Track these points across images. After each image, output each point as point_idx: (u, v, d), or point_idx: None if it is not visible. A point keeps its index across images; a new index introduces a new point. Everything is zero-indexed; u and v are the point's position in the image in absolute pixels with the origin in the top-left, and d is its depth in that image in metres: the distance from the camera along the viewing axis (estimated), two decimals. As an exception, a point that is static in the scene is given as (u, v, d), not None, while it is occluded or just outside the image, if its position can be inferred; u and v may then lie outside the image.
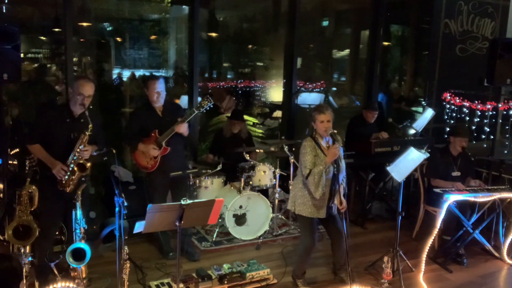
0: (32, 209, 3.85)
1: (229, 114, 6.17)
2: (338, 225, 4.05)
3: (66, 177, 3.69)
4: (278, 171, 5.41)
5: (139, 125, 4.47)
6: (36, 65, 6.79)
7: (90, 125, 3.65)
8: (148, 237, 4.87)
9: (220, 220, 5.11)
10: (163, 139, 4.39)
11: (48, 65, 6.93)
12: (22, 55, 4.31)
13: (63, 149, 3.72)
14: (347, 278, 4.20)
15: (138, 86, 7.60)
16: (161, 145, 4.39)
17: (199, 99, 6.48)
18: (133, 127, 4.53)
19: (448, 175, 5.04)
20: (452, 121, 7.05)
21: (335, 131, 3.95)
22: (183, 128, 4.36)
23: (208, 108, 4.46)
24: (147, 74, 7.82)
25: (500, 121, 6.80)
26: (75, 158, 3.68)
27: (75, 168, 3.67)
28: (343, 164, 4.01)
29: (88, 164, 3.72)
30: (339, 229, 4.05)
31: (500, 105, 6.49)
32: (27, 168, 4.23)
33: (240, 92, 8.80)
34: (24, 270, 3.47)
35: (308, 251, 4.10)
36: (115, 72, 7.56)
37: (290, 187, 4.21)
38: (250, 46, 9.21)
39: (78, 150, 3.67)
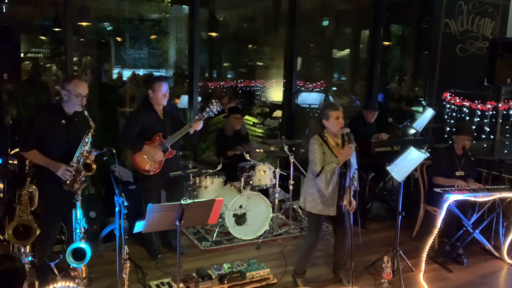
0: (32, 208, 3.85)
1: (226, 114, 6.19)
2: (346, 224, 4.03)
3: (72, 178, 3.65)
4: (278, 170, 5.41)
5: (140, 126, 4.38)
6: (36, 64, 6.79)
7: (93, 125, 3.63)
8: (142, 237, 4.85)
9: (220, 220, 5.11)
10: (169, 142, 4.38)
11: (48, 65, 6.93)
12: (22, 55, 4.31)
13: (63, 151, 3.67)
14: (345, 278, 4.22)
15: (139, 86, 7.61)
16: (167, 149, 4.39)
17: (199, 98, 6.49)
18: (133, 128, 4.39)
19: (452, 175, 5.04)
20: (452, 121, 7.04)
21: (349, 130, 3.92)
22: (200, 125, 4.40)
23: (217, 112, 4.48)
24: (147, 73, 7.83)
25: (500, 121, 6.80)
26: (79, 158, 3.66)
27: (82, 168, 3.64)
28: (354, 163, 3.98)
29: (94, 166, 3.70)
30: (345, 228, 4.04)
31: (500, 105, 6.48)
32: (27, 168, 4.22)
33: (240, 91, 8.81)
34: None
35: (311, 248, 4.12)
36: (115, 71, 7.56)
37: (302, 188, 4.19)
38: (250, 45, 9.21)
39: (83, 151, 3.64)
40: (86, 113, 3.64)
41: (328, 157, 3.87)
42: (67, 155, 3.67)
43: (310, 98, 8.39)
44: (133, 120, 4.49)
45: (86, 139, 3.66)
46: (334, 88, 9.37)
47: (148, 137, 4.39)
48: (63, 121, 3.69)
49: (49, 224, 3.80)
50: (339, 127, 3.89)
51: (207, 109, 4.41)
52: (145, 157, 4.38)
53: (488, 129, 6.79)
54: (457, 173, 5.06)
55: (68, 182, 3.66)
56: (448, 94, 7.08)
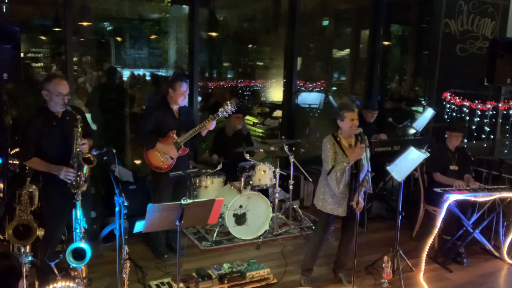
0: (32, 208, 3.85)
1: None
2: (354, 225, 4.03)
3: (77, 177, 3.64)
4: (278, 170, 5.41)
5: (155, 123, 4.40)
6: (36, 64, 6.78)
7: (78, 117, 3.60)
8: (148, 237, 4.86)
9: (220, 220, 5.11)
10: (182, 140, 4.40)
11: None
12: (22, 54, 4.30)
13: (60, 153, 3.66)
14: (345, 277, 4.23)
15: (139, 86, 7.61)
16: (180, 146, 4.41)
17: (199, 98, 6.48)
18: (148, 123, 4.42)
19: (447, 169, 5.09)
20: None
21: (361, 130, 3.92)
22: (213, 125, 4.40)
23: (231, 113, 4.48)
24: (147, 73, 7.83)
25: (500, 120, 6.80)
26: (77, 155, 3.64)
27: (83, 163, 3.63)
28: (366, 164, 3.99)
29: (91, 156, 3.69)
30: (352, 228, 4.05)
31: (500, 105, 6.49)
32: (27, 168, 4.22)
33: (240, 91, 8.81)
34: (24, 270, 3.49)
35: (317, 246, 4.16)
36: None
37: (317, 187, 4.21)
38: (250, 45, 9.21)
39: (77, 146, 3.63)
40: (69, 108, 3.61)
41: (340, 157, 3.90)
42: (66, 155, 3.66)
43: (310, 98, 8.39)
44: (148, 115, 4.51)
45: (78, 133, 3.62)
46: (334, 88, 9.36)
47: (162, 134, 4.41)
48: (54, 123, 3.67)
49: (53, 225, 3.80)
50: (353, 128, 3.92)
51: (222, 109, 4.41)
52: (158, 154, 4.40)
53: (488, 129, 6.80)
54: (451, 167, 5.10)
55: (74, 184, 3.64)
56: (448, 94, 7.09)
